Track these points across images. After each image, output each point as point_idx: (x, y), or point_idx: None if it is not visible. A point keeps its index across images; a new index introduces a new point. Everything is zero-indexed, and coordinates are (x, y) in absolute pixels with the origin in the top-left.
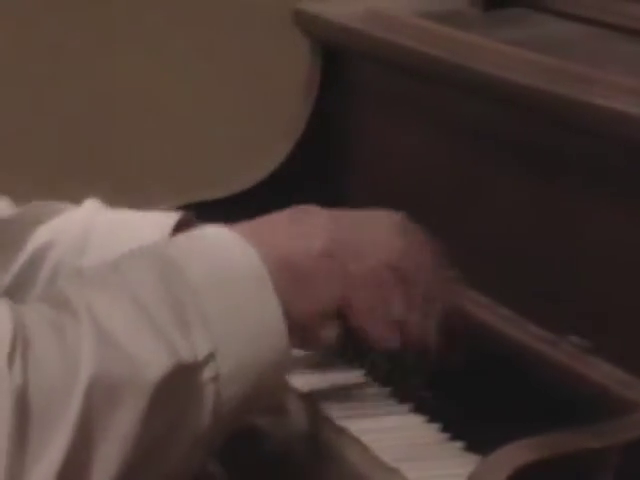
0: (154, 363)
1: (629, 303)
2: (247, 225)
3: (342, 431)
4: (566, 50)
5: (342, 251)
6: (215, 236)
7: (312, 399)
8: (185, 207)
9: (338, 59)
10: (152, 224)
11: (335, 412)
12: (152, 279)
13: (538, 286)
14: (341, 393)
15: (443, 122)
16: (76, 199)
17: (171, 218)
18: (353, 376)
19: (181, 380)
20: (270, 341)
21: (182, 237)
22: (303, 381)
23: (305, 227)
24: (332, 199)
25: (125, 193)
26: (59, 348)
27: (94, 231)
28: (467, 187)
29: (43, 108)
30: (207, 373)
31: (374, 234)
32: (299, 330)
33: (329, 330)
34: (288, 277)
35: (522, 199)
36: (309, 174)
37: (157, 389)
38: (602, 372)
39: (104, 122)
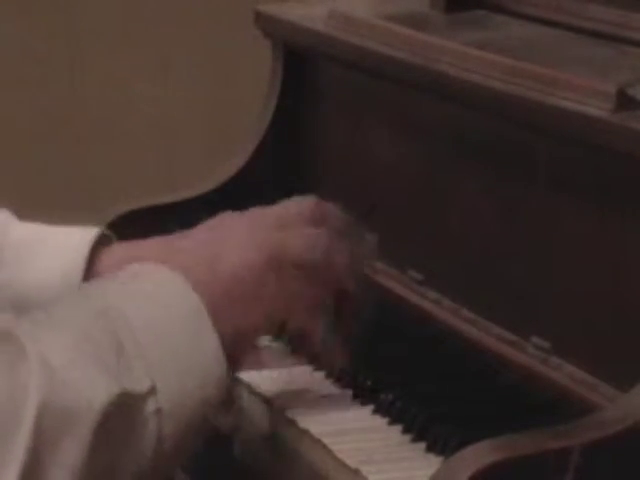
0: (99, 391)
1: (591, 305)
2: (182, 255)
3: (304, 433)
4: (527, 52)
5: (278, 264)
6: (148, 274)
7: (273, 402)
8: (150, 208)
9: (301, 61)
10: (69, 239)
11: (297, 414)
12: (91, 317)
13: (501, 288)
14: (302, 395)
15: (406, 124)
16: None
17: (89, 233)
18: (314, 376)
19: (125, 410)
20: (210, 378)
21: (116, 279)
22: (264, 382)
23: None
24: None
25: (87, 192)
26: (8, 380)
27: (7, 247)
28: (430, 188)
29: None
30: (150, 406)
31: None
32: (242, 344)
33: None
34: (227, 299)
35: (485, 200)
36: (272, 175)
37: (103, 417)
38: (564, 373)
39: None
